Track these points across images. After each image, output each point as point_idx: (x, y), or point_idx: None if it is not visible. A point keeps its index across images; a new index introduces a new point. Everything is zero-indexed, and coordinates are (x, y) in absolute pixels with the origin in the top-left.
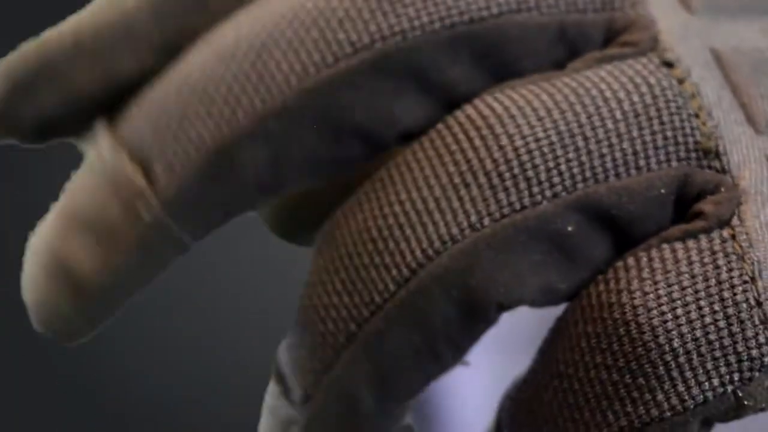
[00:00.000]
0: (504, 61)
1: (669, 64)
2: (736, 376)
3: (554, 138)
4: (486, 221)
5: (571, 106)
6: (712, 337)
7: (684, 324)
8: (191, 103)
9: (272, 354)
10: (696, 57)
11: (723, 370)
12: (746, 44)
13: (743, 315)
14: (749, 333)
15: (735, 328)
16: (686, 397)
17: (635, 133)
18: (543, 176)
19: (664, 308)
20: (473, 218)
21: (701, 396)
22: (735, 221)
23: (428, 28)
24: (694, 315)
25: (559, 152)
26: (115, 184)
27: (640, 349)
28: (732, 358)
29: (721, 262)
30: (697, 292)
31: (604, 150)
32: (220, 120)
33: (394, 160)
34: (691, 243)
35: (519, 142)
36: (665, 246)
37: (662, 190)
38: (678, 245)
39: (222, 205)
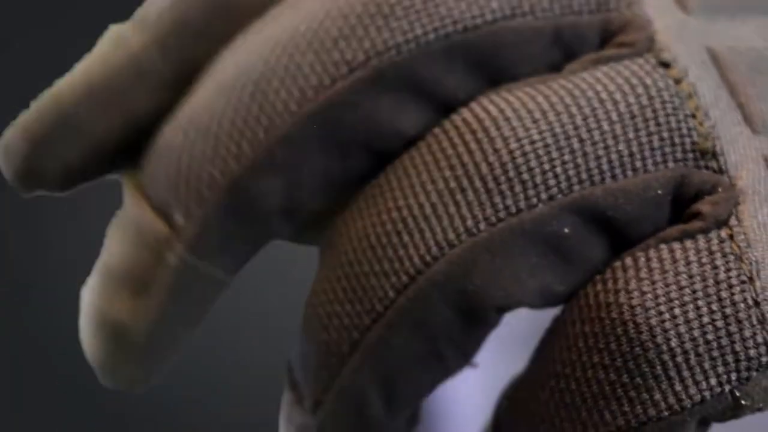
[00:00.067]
0: (500, 67)
1: (666, 65)
2: (733, 376)
3: (550, 140)
4: (482, 225)
5: (567, 108)
6: (709, 336)
7: (681, 324)
8: (198, 143)
9: (272, 354)
10: (693, 57)
11: (720, 369)
12: (743, 44)
13: (741, 315)
14: (747, 333)
15: (733, 328)
16: (683, 397)
17: (631, 135)
18: (539, 179)
19: (662, 308)
20: (469, 223)
21: (698, 395)
22: (733, 221)
23: (422, 40)
24: (691, 315)
25: (555, 154)
26: (141, 235)
27: (637, 348)
28: (729, 358)
29: (719, 262)
30: (694, 292)
31: (600, 152)
32: (227, 156)
33: (392, 165)
34: (688, 243)
35: (514, 145)
36: (663, 246)
37: (659, 191)
38: (676, 245)
39: (246, 237)
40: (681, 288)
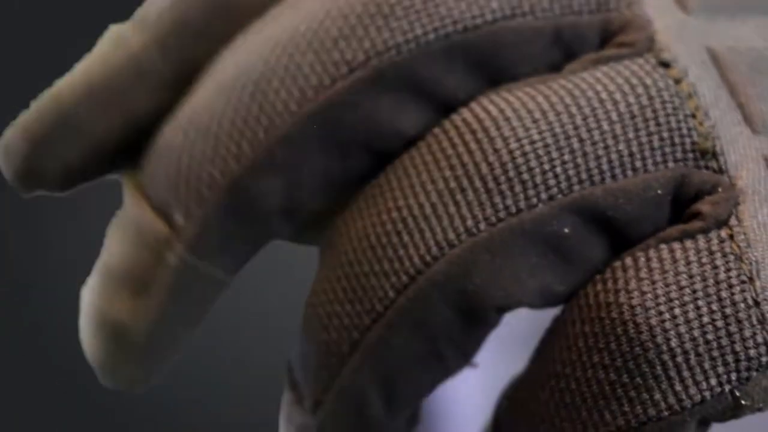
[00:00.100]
0: (500, 67)
1: (666, 65)
2: (733, 376)
3: (549, 140)
4: (482, 226)
5: (567, 107)
6: (709, 336)
7: (682, 324)
8: (197, 143)
9: (272, 354)
10: (693, 57)
11: (720, 369)
12: (743, 44)
13: (741, 315)
14: (747, 333)
15: (733, 328)
16: (683, 397)
17: (631, 135)
18: (538, 179)
19: (662, 308)
20: (469, 223)
21: (699, 396)
22: (733, 221)
23: (422, 40)
24: (692, 315)
25: (555, 154)
26: (140, 235)
27: (637, 348)
28: (730, 358)
29: (719, 262)
30: (695, 291)
31: (600, 152)
32: (227, 156)
33: (392, 165)
34: (688, 243)
35: (514, 145)
36: (663, 246)
37: (659, 191)
38: (676, 245)
39: (246, 237)
40: (681, 288)
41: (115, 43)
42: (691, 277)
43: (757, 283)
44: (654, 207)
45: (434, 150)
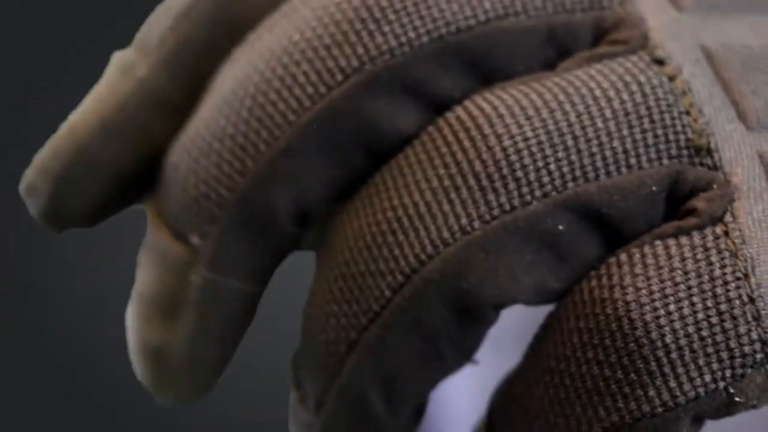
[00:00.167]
0: (494, 66)
1: (659, 62)
2: (728, 373)
3: (543, 137)
4: (476, 224)
5: (560, 105)
6: (704, 333)
7: (676, 320)
8: (202, 163)
9: (274, 354)
10: (687, 54)
11: (715, 366)
12: (736, 41)
13: (736, 311)
14: (742, 329)
15: (728, 325)
16: (678, 393)
17: (625, 132)
18: (532, 176)
19: (657, 304)
20: (464, 221)
21: (693, 392)
22: (728, 218)
23: (416, 43)
24: (686, 311)
25: (548, 151)
26: (164, 259)
27: (632, 344)
28: (724, 355)
29: (714, 258)
30: (689, 288)
31: (594, 149)
32: (232, 173)
33: (387, 165)
34: (683, 240)
35: (507, 143)
36: (658, 242)
37: (653, 188)
38: (671, 242)
39: (263, 248)
40: (676, 284)
41: (122, 71)
42: (686, 273)
43: (752, 280)
44: (648, 204)
45: (428, 148)
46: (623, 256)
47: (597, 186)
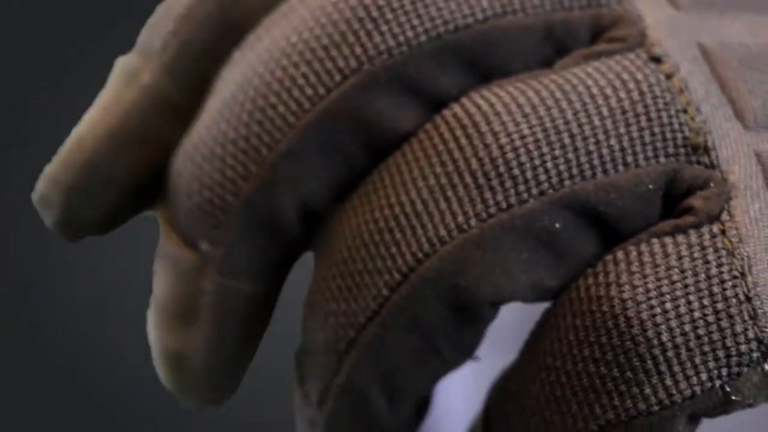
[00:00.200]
0: (492, 64)
1: (657, 60)
2: (724, 371)
3: (540, 135)
4: (473, 222)
5: (557, 102)
6: (700, 331)
7: (673, 318)
8: (205, 168)
9: (275, 354)
10: (684, 52)
11: (711, 364)
12: (733, 40)
13: (732, 310)
14: (738, 328)
15: (724, 323)
16: (674, 392)
17: (622, 130)
18: (529, 174)
19: (653, 302)
20: (460, 219)
21: (689, 390)
22: (725, 216)
23: (414, 42)
24: (683, 309)
25: (545, 149)
26: (177, 267)
27: (628, 342)
28: (720, 353)
29: (710, 257)
30: (686, 286)
31: (591, 147)
32: (236, 178)
33: (385, 162)
34: (680, 238)
35: (504, 140)
36: (655, 240)
37: (650, 186)
38: (668, 240)
39: (272, 250)
40: (672, 282)
41: (126, 78)
42: (682, 271)
43: (749, 279)
44: (645, 202)
45: (425, 146)
46: (620, 254)
47: (594, 184)
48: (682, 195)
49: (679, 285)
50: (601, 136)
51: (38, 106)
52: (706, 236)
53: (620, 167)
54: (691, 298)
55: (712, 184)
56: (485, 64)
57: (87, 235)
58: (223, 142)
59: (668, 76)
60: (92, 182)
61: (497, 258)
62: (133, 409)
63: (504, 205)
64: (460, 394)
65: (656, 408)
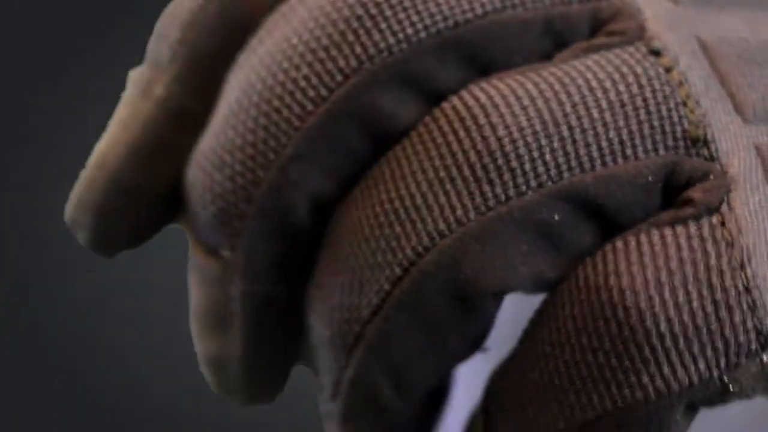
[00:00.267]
0: (492, 59)
1: (656, 53)
2: (722, 362)
3: (538, 127)
4: (472, 215)
5: (556, 94)
6: (699, 321)
7: (671, 308)
8: (216, 177)
9: None
10: (683, 46)
11: (709, 354)
12: (732, 34)
13: (731, 301)
14: (737, 318)
15: (723, 314)
16: (672, 381)
17: (621, 122)
18: (527, 166)
19: (652, 291)
20: (459, 212)
21: (687, 380)
22: (724, 208)
23: (413, 39)
24: (681, 299)
25: (544, 141)
26: (204, 276)
27: (626, 331)
28: (719, 344)
29: (710, 248)
30: (685, 276)
31: (590, 139)
32: (245, 184)
33: (385, 156)
34: (680, 228)
35: (502, 132)
36: (654, 231)
37: (649, 178)
38: (667, 230)
39: (292, 252)
40: (671, 272)
41: (141, 92)
42: (681, 261)
43: (748, 270)
44: (644, 194)
45: (425, 139)
46: (619, 244)
47: (593, 176)
48: (681, 187)
49: (678, 275)
50: (600, 129)
51: (38, 106)
52: (706, 227)
53: (619, 159)
54: (690, 288)
55: (711, 177)
56: (485, 58)
57: (120, 250)
58: (231, 150)
59: (667, 70)
60: (118, 200)
61: (496, 251)
62: (133, 409)
63: (503, 197)
64: (460, 384)
65: (654, 397)
